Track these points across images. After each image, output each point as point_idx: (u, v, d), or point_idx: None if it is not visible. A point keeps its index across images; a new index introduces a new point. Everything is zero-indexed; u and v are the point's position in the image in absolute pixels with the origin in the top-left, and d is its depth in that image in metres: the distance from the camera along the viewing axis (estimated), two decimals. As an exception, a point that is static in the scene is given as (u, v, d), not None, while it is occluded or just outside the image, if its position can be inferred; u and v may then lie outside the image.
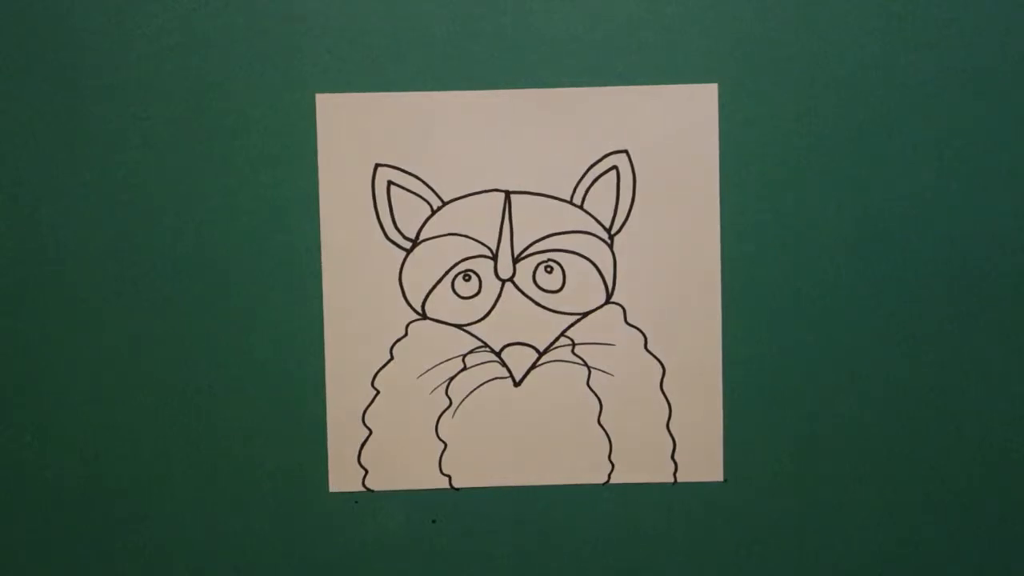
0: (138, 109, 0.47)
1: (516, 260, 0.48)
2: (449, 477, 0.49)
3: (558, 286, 0.48)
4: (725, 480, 0.49)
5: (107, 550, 0.48)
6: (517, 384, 0.49)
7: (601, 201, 0.48)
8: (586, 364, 0.49)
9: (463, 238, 0.48)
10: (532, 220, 0.48)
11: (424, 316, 0.48)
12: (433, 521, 0.49)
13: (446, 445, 0.49)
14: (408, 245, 0.48)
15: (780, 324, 0.49)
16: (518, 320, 0.48)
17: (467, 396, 0.49)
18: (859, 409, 0.49)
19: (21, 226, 0.47)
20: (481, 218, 0.48)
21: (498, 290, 0.48)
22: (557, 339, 0.48)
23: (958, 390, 0.49)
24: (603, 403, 0.49)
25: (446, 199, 0.48)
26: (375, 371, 0.48)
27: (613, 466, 0.49)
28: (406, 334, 0.48)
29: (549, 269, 0.48)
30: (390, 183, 0.48)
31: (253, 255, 0.48)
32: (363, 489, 0.49)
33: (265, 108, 0.47)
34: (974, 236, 0.49)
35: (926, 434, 0.49)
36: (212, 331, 0.48)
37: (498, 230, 0.48)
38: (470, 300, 0.48)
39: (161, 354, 0.48)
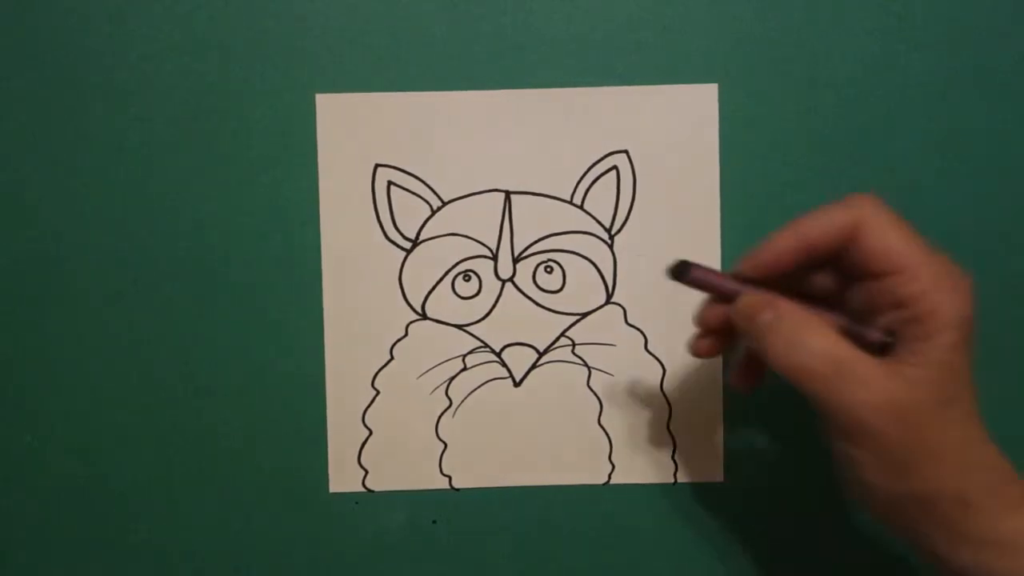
0: (138, 109, 0.47)
1: (516, 260, 0.48)
2: (449, 477, 0.49)
3: (558, 286, 0.48)
4: (725, 480, 0.49)
5: (107, 550, 0.48)
6: (517, 384, 0.49)
7: (601, 201, 0.48)
8: (586, 364, 0.49)
9: (463, 238, 0.48)
10: (532, 220, 0.48)
11: (424, 316, 0.48)
12: (433, 521, 0.49)
13: (446, 445, 0.49)
14: (408, 245, 0.48)
15: (780, 324, 0.49)
16: (518, 320, 0.48)
17: (467, 396, 0.49)
18: (859, 409, 0.49)
19: (21, 226, 0.47)
20: (481, 218, 0.48)
21: (498, 290, 0.48)
22: (557, 339, 0.48)
23: (958, 390, 0.49)
24: (603, 403, 0.49)
25: (446, 199, 0.48)
26: (375, 371, 0.48)
27: (613, 466, 0.49)
28: (406, 334, 0.48)
29: (549, 269, 0.48)
30: (390, 183, 0.48)
31: (253, 255, 0.48)
32: (363, 489, 0.49)
33: (265, 108, 0.47)
34: (974, 235, 0.49)
35: (926, 434, 0.49)
36: (212, 331, 0.48)
37: (498, 230, 0.48)
38: (470, 300, 0.48)
39: (161, 354, 0.48)
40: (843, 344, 0.34)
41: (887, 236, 0.34)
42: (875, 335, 0.35)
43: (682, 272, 0.38)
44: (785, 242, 0.36)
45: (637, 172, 0.48)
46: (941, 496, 0.34)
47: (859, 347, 0.35)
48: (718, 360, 0.49)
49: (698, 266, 0.38)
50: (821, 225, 0.35)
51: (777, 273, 0.37)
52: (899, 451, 0.34)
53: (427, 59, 0.48)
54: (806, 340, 0.35)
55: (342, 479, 0.49)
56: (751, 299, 0.37)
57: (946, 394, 0.33)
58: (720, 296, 0.39)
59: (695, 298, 0.48)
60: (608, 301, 0.48)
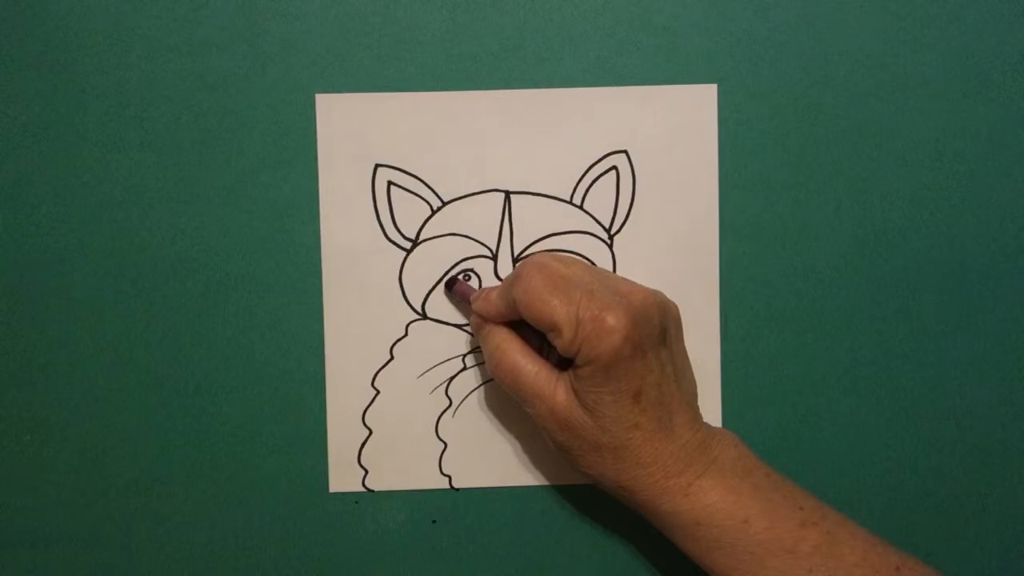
0: (138, 109, 0.47)
1: (516, 260, 0.48)
2: (449, 477, 0.49)
3: (558, 286, 0.48)
4: (725, 480, 0.49)
5: (107, 550, 0.48)
6: (517, 384, 0.49)
7: (601, 201, 0.48)
8: (586, 364, 0.48)
9: (463, 238, 0.48)
10: (532, 220, 0.48)
11: (424, 316, 0.48)
12: (433, 521, 0.49)
13: (446, 445, 0.49)
14: (408, 245, 0.48)
15: (779, 324, 0.49)
16: (518, 320, 0.48)
17: (467, 396, 0.49)
18: (858, 409, 0.49)
19: (21, 226, 0.48)
20: (481, 218, 0.48)
21: (498, 290, 0.48)
22: (557, 339, 0.48)
23: (958, 390, 0.49)
24: (603, 403, 0.49)
25: (446, 199, 0.48)
26: (375, 371, 0.48)
27: (613, 466, 0.49)
28: (406, 334, 0.48)
29: (549, 269, 0.48)
30: (390, 183, 0.48)
31: (253, 255, 0.48)
32: (363, 489, 0.49)
33: (265, 108, 0.47)
34: (974, 236, 0.49)
35: (926, 434, 0.49)
36: (212, 331, 0.48)
37: (498, 230, 0.48)
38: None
39: (161, 354, 0.48)
40: (527, 358, 0.43)
41: (528, 310, 0.42)
42: (553, 357, 0.43)
43: (450, 286, 0.48)
44: (483, 306, 0.45)
45: (637, 172, 0.48)
46: (605, 480, 0.43)
47: (549, 360, 0.44)
48: (717, 360, 0.49)
49: (461, 283, 0.48)
50: (502, 299, 0.44)
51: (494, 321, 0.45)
52: (565, 444, 0.43)
53: (427, 59, 0.48)
54: (499, 355, 0.44)
55: (342, 479, 0.49)
56: (476, 318, 0.46)
57: (590, 408, 0.42)
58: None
59: (694, 298, 0.48)
60: (608, 301, 0.48)
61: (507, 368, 0.44)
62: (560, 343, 0.41)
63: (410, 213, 0.48)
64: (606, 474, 0.43)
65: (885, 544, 0.42)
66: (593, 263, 0.48)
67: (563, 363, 0.43)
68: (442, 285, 0.48)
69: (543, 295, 0.42)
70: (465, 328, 0.48)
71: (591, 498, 0.49)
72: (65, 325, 0.48)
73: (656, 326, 0.42)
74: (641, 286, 0.44)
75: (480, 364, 0.49)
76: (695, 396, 0.45)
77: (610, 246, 0.48)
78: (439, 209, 0.48)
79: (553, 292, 0.42)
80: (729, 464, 0.43)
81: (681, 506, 0.42)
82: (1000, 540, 0.49)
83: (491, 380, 0.49)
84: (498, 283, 0.48)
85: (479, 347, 0.48)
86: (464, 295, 0.47)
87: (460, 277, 0.48)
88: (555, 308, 0.41)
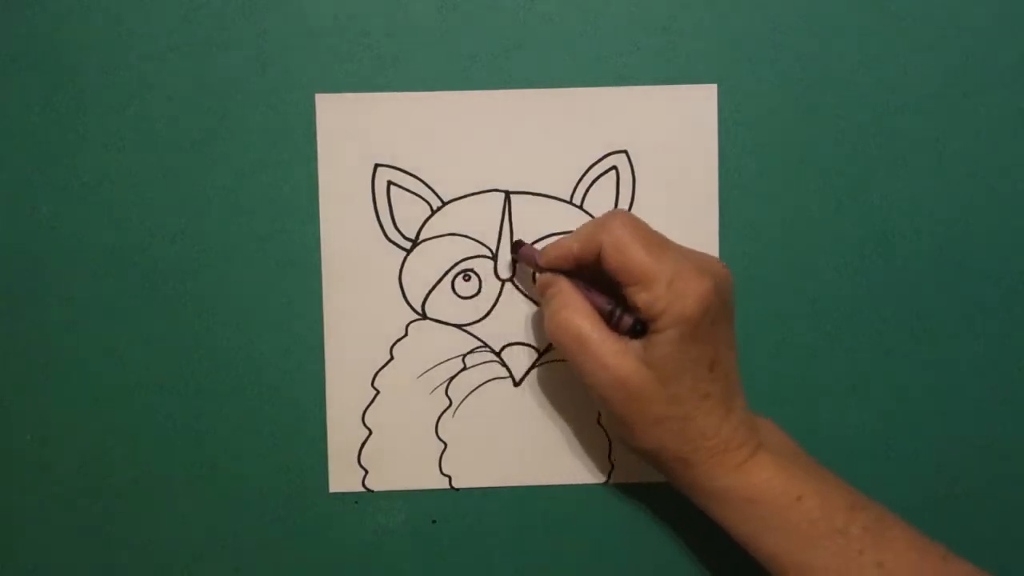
0: (138, 109, 0.47)
1: (516, 261, 0.48)
2: (449, 477, 0.49)
3: (558, 286, 0.48)
4: (725, 480, 0.49)
5: (107, 550, 0.48)
6: (517, 384, 0.49)
7: (601, 201, 0.48)
8: (586, 364, 0.48)
9: (463, 238, 0.48)
10: (532, 220, 0.48)
11: (424, 316, 0.48)
12: (433, 521, 0.49)
13: (446, 445, 0.49)
14: (408, 245, 0.48)
15: (779, 324, 0.49)
16: (518, 320, 0.48)
17: (467, 396, 0.49)
18: (859, 409, 0.49)
19: (21, 226, 0.47)
20: (481, 218, 0.48)
21: (498, 290, 0.48)
22: (557, 339, 0.48)
23: (958, 390, 0.49)
24: (603, 403, 0.49)
25: (446, 199, 0.48)
26: (375, 371, 0.48)
27: (613, 466, 0.49)
28: (406, 334, 0.48)
29: (549, 269, 0.48)
30: (390, 183, 0.48)
31: (253, 255, 0.48)
32: (363, 489, 0.49)
33: (265, 108, 0.47)
34: (974, 236, 0.49)
35: (926, 434, 0.49)
36: (212, 332, 0.48)
37: (498, 230, 0.48)
38: (470, 300, 0.48)
39: (161, 354, 0.48)
40: (594, 325, 0.42)
41: (620, 256, 0.41)
42: (627, 322, 0.42)
43: (516, 248, 0.47)
44: (556, 251, 0.44)
45: (636, 172, 0.48)
46: (664, 454, 0.42)
47: (618, 328, 0.42)
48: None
49: (527, 246, 0.47)
50: (579, 241, 0.43)
51: (562, 268, 0.44)
52: (627, 416, 0.42)
53: (427, 59, 0.48)
54: (564, 317, 0.42)
55: (342, 479, 0.49)
56: (544, 278, 0.45)
57: (666, 376, 0.41)
58: (540, 270, 0.46)
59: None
60: (608, 301, 0.48)
61: (572, 333, 0.42)
62: (646, 297, 0.40)
63: (410, 213, 0.48)
64: (666, 446, 0.42)
65: (924, 534, 0.42)
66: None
67: (633, 332, 0.42)
68: (507, 252, 0.48)
69: (635, 244, 0.41)
70: (465, 328, 0.48)
71: (591, 498, 0.49)
72: (65, 325, 0.48)
73: (731, 296, 0.43)
74: (711, 256, 0.43)
75: (480, 364, 0.49)
76: None
77: (610, 246, 0.48)
78: (439, 209, 0.48)
79: (648, 244, 0.41)
80: (776, 446, 0.43)
81: (736, 481, 0.41)
82: (1000, 539, 0.49)
83: (491, 380, 0.49)
84: (498, 283, 0.48)
85: (479, 347, 0.48)
86: (531, 257, 0.46)
87: (522, 245, 0.47)
88: (647, 259, 0.40)
